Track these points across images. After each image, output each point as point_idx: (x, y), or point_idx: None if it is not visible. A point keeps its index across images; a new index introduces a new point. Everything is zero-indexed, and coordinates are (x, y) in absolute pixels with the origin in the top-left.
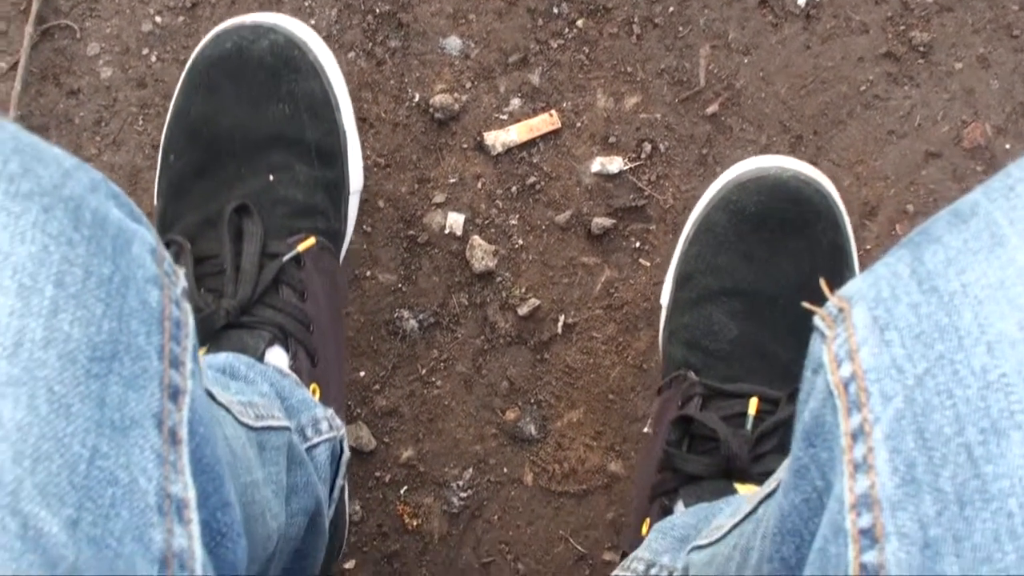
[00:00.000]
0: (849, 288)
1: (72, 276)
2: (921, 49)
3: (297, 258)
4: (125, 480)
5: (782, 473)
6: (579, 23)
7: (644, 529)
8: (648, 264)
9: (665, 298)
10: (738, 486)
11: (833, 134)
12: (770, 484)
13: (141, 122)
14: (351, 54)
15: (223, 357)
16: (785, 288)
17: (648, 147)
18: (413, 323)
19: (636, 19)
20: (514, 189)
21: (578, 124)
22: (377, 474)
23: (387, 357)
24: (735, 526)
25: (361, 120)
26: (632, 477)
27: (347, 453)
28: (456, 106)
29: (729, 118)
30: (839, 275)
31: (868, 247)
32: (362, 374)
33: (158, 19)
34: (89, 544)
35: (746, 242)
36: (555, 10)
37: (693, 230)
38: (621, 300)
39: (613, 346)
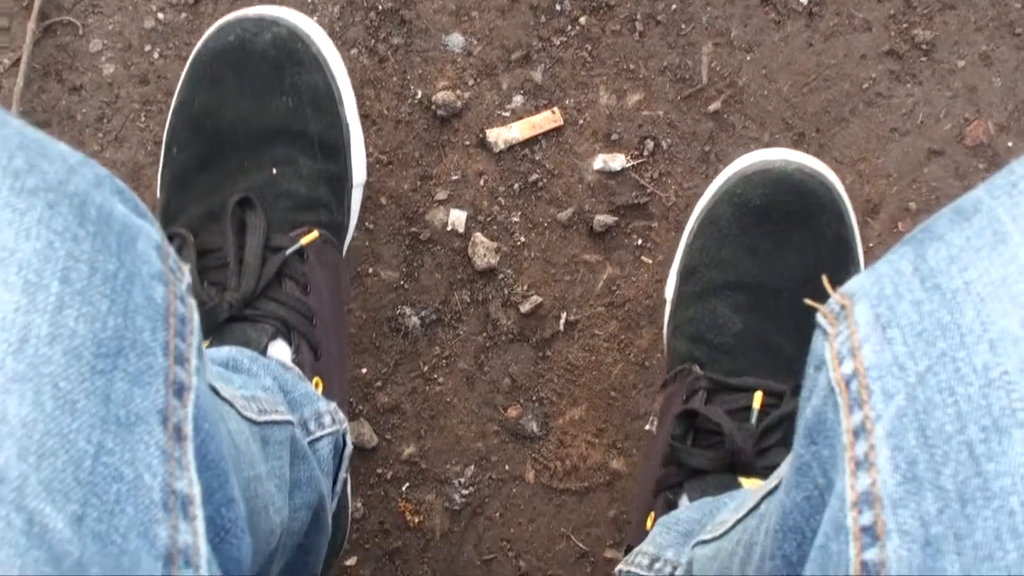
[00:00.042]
0: (851, 285)
1: (77, 272)
2: (924, 47)
3: (300, 251)
4: (130, 476)
5: (784, 470)
6: (581, 20)
7: (649, 523)
8: (650, 261)
9: (669, 292)
10: (743, 480)
11: (835, 132)
12: (773, 480)
13: (143, 119)
14: (353, 51)
15: (226, 350)
16: (790, 281)
17: (650, 144)
18: (415, 320)
19: (639, 16)
20: (516, 186)
21: (580, 121)
22: (379, 471)
23: (389, 354)
24: (739, 521)
25: (363, 117)
26: (634, 474)
27: (350, 446)
28: (458, 103)
29: (731, 115)
30: (844, 268)
31: (871, 245)
32: (364, 371)
33: (160, 16)
34: (94, 540)
35: (750, 235)
36: (557, 7)
37: (697, 223)
38: (623, 297)
39: (615, 343)
